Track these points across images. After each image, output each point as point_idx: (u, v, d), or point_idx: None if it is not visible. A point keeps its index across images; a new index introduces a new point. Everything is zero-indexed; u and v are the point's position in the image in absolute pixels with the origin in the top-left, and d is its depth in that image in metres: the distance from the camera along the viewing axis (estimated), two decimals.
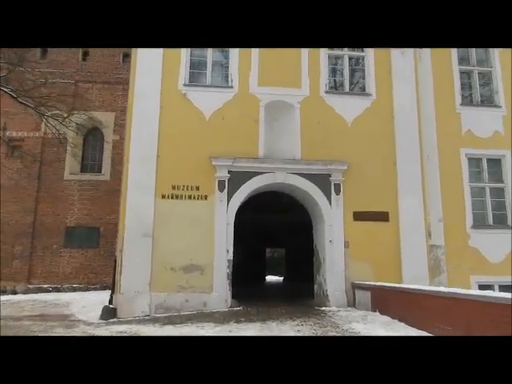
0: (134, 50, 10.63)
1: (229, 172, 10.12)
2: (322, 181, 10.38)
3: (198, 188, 10.01)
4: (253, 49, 10.63)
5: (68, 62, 16.28)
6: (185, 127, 10.25)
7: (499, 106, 11.80)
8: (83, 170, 15.97)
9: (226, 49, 10.75)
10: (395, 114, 10.95)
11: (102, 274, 14.65)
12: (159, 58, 10.37)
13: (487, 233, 11.01)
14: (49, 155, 15.30)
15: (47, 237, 14.89)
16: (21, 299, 12.18)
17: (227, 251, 9.80)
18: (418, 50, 11.50)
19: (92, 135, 16.33)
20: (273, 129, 10.59)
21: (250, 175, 10.24)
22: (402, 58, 11.29)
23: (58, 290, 14.41)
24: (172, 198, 9.91)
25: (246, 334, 6.59)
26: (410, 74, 11.29)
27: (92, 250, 15.14)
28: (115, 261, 9.73)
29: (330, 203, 10.33)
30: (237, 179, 10.14)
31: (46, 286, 14.47)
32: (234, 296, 9.85)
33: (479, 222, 11.12)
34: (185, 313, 9.10)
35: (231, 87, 10.64)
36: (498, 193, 11.43)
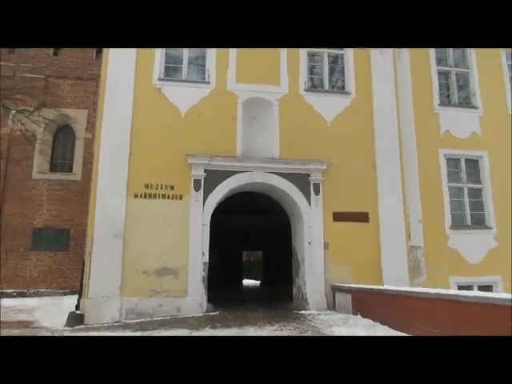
0: None
1: (205, 171, 9.75)
2: (301, 180, 10.12)
3: (172, 187, 9.60)
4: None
5: (38, 56, 15.64)
6: (159, 123, 9.83)
7: (476, 107, 11.84)
8: (53, 169, 15.31)
9: None
10: (375, 112, 10.81)
11: (72, 277, 14.01)
12: (133, 50, 9.91)
13: (466, 233, 11.00)
14: (16, 153, 14.60)
15: (12, 239, 14.14)
16: None
17: (203, 254, 9.41)
18: (397, 49, 11.41)
19: (63, 133, 15.72)
20: (251, 127, 10.28)
21: (227, 174, 9.89)
22: (382, 57, 11.16)
23: (23, 295, 13.69)
24: (145, 197, 9.46)
25: None
26: (389, 72, 11.18)
27: (61, 252, 14.54)
28: (83, 263, 9.20)
29: (310, 203, 10.07)
30: (213, 178, 9.78)
31: (10, 290, 13.68)
32: (209, 300, 9.46)
33: (458, 223, 11.09)
34: (157, 318, 8.66)
35: (208, 83, 10.28)
36: (476, 193, 11.44)
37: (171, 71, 10.37)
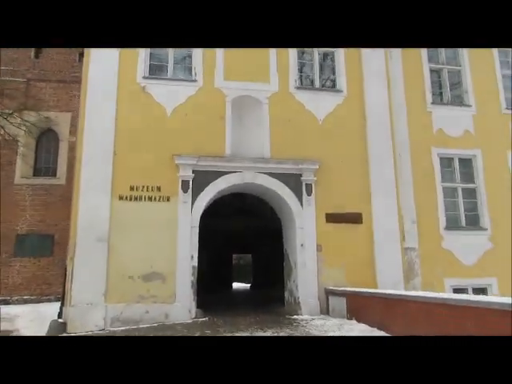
0: None
1: (193, 171, 9.41)
2: (293, 181, 9.82)
3: (159, 188, 9.24)
4: None
5: (19, 58, 15.31)
6: (145, 123, 9.48)
7: (469, 106, 11.65)
8: (36, 173, 14.93)
9: None
10: (367, 111, 10.56)
11: (57, 284, 13.55)
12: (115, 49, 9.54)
13: (460, 234, 10.76)
14: None
15: None
16: None
17: (191, 257, 9.05)
18: None
19: (46, 137, 15.34)
20: (240, 126, 9.97)
21: (217, 175, 9.56)
22: (373, 55, 10.91)
23: (6, 303, 13.26)
24: (130, 199, 9.08)
25: None
26: (380, 70, 10.94)
27: (45, 258, 14.18)
28: (65, 269, 8.78)
29: (302, 204, 9.77)
30: (202, 179, 9.43)
31: None
32: (198, 305, 9.10)
33: (452, 224, 10.85)
34: (144, 326, 8.28)
35: (195, 81, 9.95)
36: (470, 193, 11.23)
37: (156, 69, 10.03)
